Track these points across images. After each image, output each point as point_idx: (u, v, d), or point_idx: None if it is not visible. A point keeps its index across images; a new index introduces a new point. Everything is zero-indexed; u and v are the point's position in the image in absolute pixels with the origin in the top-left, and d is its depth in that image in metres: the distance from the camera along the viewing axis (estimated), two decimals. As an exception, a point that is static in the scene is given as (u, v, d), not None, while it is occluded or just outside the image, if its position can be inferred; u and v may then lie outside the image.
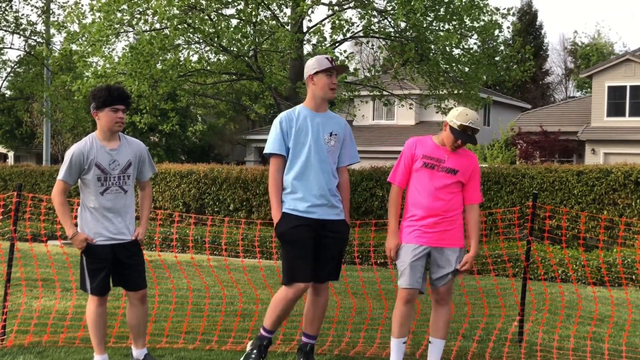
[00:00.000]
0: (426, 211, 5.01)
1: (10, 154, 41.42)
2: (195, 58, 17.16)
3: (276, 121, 5.13)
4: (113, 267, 4.97)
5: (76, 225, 4.97)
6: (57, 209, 4.89)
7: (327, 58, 5.11)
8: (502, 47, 17.64)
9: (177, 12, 14.93)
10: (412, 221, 5.06)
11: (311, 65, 5.11)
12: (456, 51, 16.69)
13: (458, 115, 4.98)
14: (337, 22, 15.43)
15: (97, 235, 4.89)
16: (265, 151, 5.16)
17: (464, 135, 4.97)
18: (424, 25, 15.46)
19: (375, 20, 15.94)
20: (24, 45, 25.25)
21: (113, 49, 16.48)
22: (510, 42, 19.54)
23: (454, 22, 15.86)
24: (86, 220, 4.93)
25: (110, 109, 4.87)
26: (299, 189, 5.03)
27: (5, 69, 26.70)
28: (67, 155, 4.90)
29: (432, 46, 15.84)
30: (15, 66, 27.65)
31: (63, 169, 4.88)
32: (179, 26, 14.76)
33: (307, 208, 5.01)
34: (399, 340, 5.07)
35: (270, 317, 5.09)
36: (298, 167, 5.04)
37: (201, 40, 15.84)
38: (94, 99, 4.90)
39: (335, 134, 5.13)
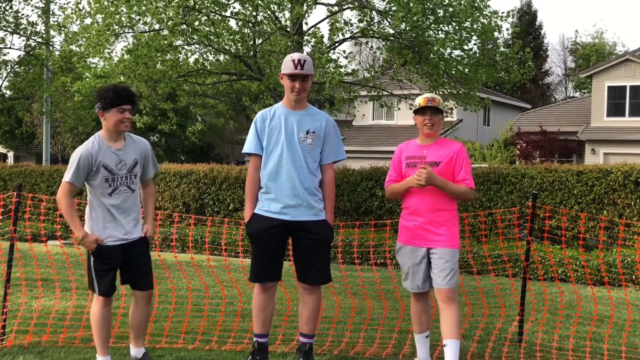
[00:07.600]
0: (417, 211, 5.07)
1: (10, 154, 41.41)
2: (192, 59, 17.20)
3: (253, 120, 5.14)
4: (122, 266, 4.94)
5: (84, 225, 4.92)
6: (65, 212, 4.81)
7: (293, 61, 4.97)
8: (501, 48, 17.59)
9: (171, 14, 14.89)
10: (407, 220, 5.15)
11: (282, 65, 5.06)
12: (456, 52, 16.67)
13: (415, 103, 5.22)
14: (335, 24, 15.40)
15: (107, 236, 4.85)
16: (242, 150, 5.20)
17: (427, 108, 5.10)
18: (424, 27, 15.43)
19: (375, 21, 15.91)
20: (24, 46, 25.24)
21: (112, 50, 16.46)
22: (510, 43, 19.49)
23: (454, 25, 15.83)
24: (96, 221, 4.87)
25: (117, 109, 4.81)
26: (272, 189, 5.02)
27: (5, 69, 26.65)
28: (74, 156, 4.81)
29: (432, 48, 15.81)
30: (15, 66, 27.62)
31: (70, 170, 4.79)
32: (176, 28, 14.73)
33: (281, 209, 4.98)
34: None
35: (253, 319, 5.17)
36: (271, 166, 5.03)
37: (199, 42, 15.80)
38: (99, 100, 4.83)
39: (313, 132, 5.03)
